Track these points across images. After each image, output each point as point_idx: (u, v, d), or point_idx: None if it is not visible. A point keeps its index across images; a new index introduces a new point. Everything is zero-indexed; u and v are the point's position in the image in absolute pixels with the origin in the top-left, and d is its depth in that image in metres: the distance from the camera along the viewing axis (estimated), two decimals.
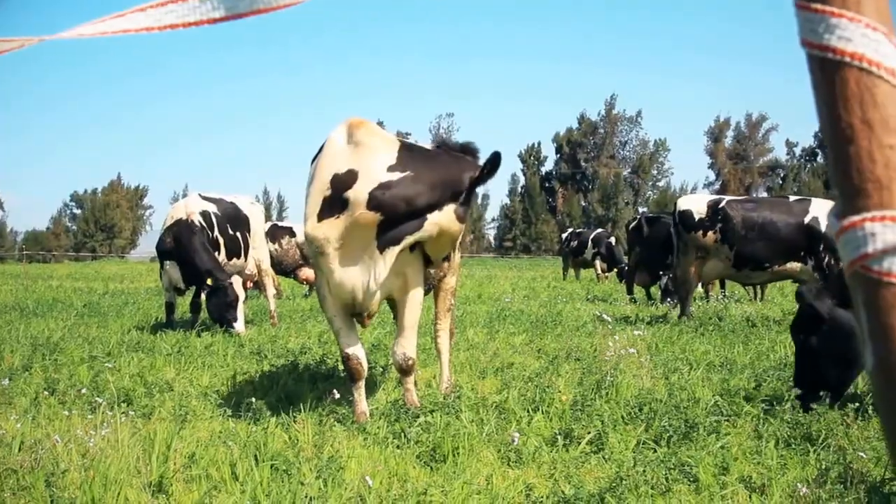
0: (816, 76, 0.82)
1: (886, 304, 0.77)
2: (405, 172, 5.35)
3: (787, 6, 0.85)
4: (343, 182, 5.39)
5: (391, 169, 5.36)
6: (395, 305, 5.90)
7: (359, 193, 5.31)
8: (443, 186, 5.39)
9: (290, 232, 18.78)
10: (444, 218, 5.43)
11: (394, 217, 5.35)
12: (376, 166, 5.36)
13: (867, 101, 0.78)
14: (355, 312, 5.85)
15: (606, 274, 27.19)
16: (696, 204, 12.42)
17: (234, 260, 12.43)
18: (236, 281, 11.39)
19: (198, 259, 11.23)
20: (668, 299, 15.34)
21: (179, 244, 11.43)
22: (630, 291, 18.08)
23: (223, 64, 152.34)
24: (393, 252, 5.45)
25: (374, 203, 5.30)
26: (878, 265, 0.77)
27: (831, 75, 0.81)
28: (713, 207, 12.11)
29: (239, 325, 11.13)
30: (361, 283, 5.55)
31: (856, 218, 0.78)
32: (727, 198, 12.40)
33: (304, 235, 5.78)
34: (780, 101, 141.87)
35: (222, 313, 11.13)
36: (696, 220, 12.17)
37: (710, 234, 12.02)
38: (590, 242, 27.74)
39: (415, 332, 5.92)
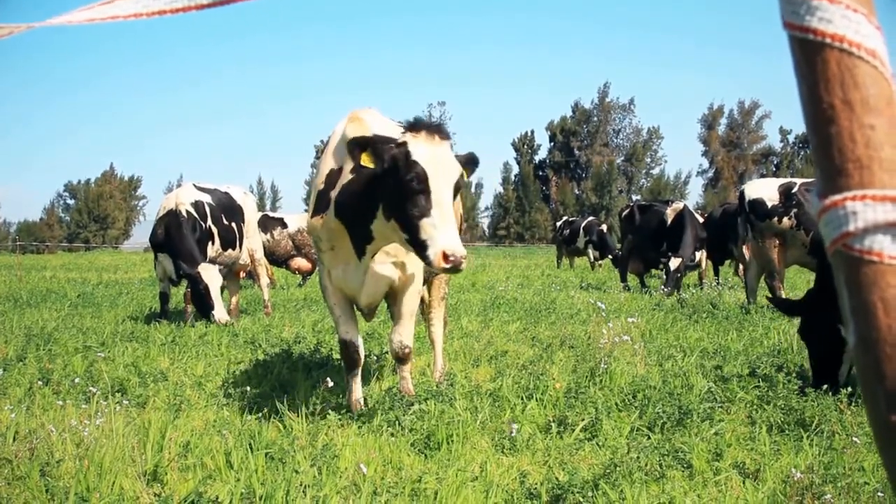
0: (798, 58, 0.82)
1: (868, 281, 0.78)
2: (353, 175, 5.12)
3: None
4: (333, 179, 5.32)
5: (353, 170, 5.11)
6: (391, 293, 5.84)
7: (335, 195, 5.25)
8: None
9: (282, 223, 18.75)
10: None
11: (350, 224, 5.22)
12: (347, 167, 5.16)
13: (848, 81, 0.79)
14: (358, 308, 5.83)
15: (600, 262, 27.24)
16: (767, 190, 12.21)
17: (230, 251, 12.29)
18: (206, 269, 11.01)
19: (181, 250, 11.13)
20: (664, 287, 15.31)
21: (169, 235, 11.34)
22: (624, 279, 18.09)
23: (217, 54, 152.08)
24: (368, 257, 5.34)
25: (337, 210, 5.23)
26: (860, 243, 0.78)
27: (812, 57, 0.81)
28: (786, 193, 11.94)
29: (217, 313, 10.79)
30: (354, 283, 5.48)
31: (837, 197, 0.79)
32: (798, 181, 12.21)
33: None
34: (773, 88, 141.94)
35: (199, 304, 10.98)
36: (770, 206, 11.99)
37: (785, 219, 11.84)
38: (581, 231, 27.74)
39: (412, 320, 5.86)
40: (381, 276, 5.49)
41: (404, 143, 4.70)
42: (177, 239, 11.19)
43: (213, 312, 10.83)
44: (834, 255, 0.80)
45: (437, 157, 4.66)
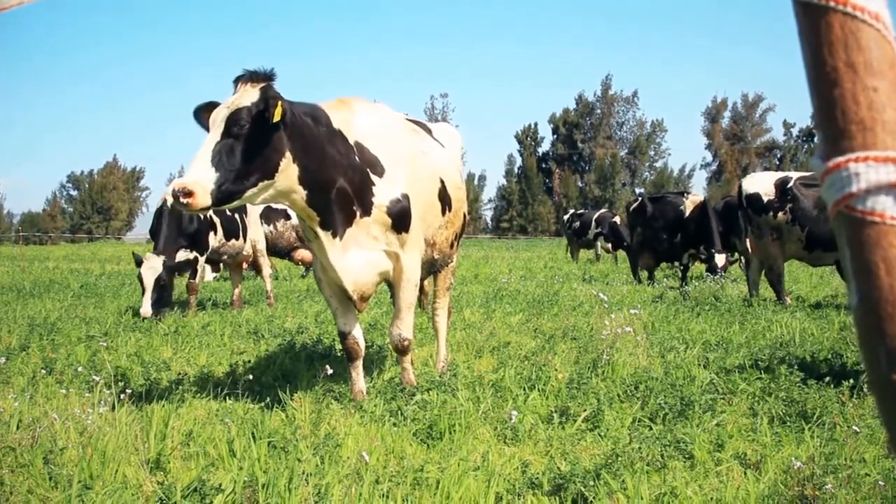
0: (801, 22, 0.83)
1: (870, 241, 0.78)
2: None
3: None
4: None
5: None
6: (391, 285, 5.79)
7: None
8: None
9: (285, 214, 18.72)
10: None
11: None
12: None
13: (851, 44, 0.79)
14: (349, 297, 5.59)
15: (614, 253, 27.06)
16: (763, 185, 12.17)
17: (233, 241, 12.24)
18: (149, 259, 10.72)
19: (155, 237, 11.02)
20: (685, 284, 15.13)
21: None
22: (635, 273, 17.98)
23: (220, 46, 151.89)
24: (339, 237, 5.23)
25: None
26: (862, 204, 0.79)
27: (816, 20, 0.81)
28: (781, 187, 11.89)
29: (143, 307, 10.46)
30: (336, 270, 5.29)
31: (840, 159, 0.79)
32: (794, 175, 12.15)
33: None
34: (777, 81, 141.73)
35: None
36: (766, 201, 11.97)
37: (780, 214, 11.81)
38: (593, 223, 27.52)
39: (411, 312, 5.81)
40: (370, 264, 5.37)
41: None
42: (156, 226, 11.10)
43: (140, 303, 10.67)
44: (836, 217, 0.81)
45: (220, 107, 4.85)
